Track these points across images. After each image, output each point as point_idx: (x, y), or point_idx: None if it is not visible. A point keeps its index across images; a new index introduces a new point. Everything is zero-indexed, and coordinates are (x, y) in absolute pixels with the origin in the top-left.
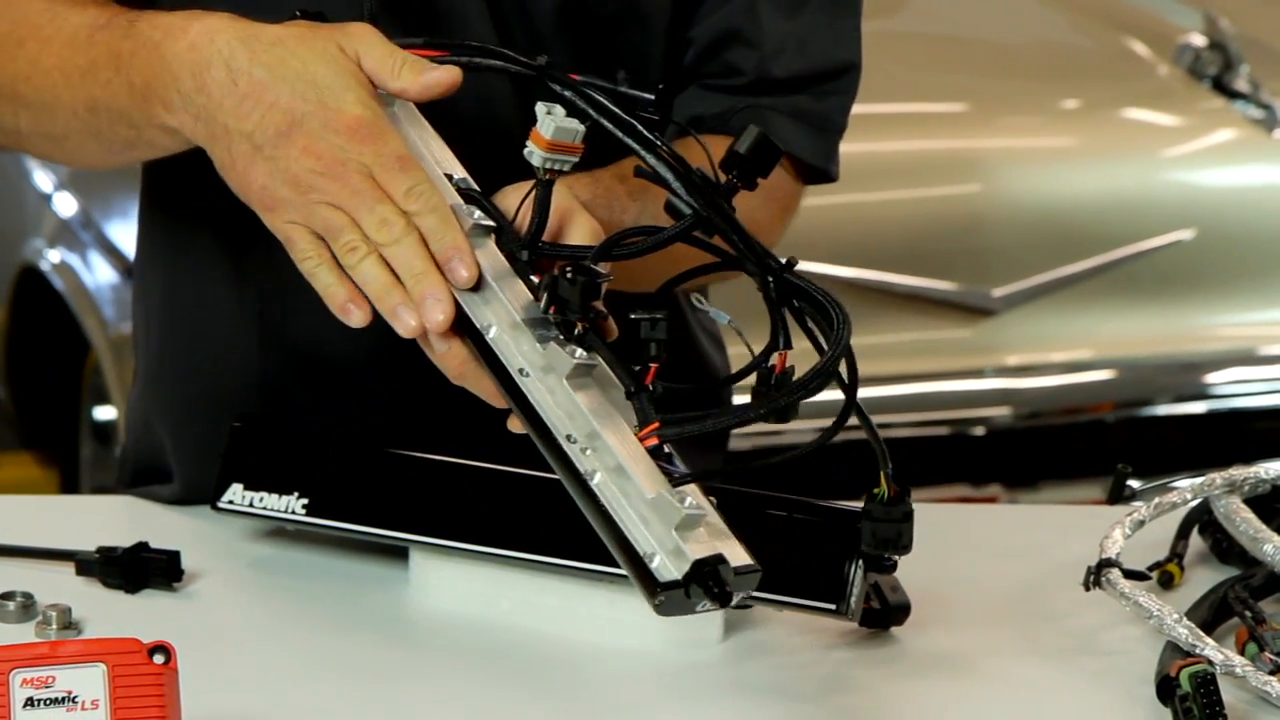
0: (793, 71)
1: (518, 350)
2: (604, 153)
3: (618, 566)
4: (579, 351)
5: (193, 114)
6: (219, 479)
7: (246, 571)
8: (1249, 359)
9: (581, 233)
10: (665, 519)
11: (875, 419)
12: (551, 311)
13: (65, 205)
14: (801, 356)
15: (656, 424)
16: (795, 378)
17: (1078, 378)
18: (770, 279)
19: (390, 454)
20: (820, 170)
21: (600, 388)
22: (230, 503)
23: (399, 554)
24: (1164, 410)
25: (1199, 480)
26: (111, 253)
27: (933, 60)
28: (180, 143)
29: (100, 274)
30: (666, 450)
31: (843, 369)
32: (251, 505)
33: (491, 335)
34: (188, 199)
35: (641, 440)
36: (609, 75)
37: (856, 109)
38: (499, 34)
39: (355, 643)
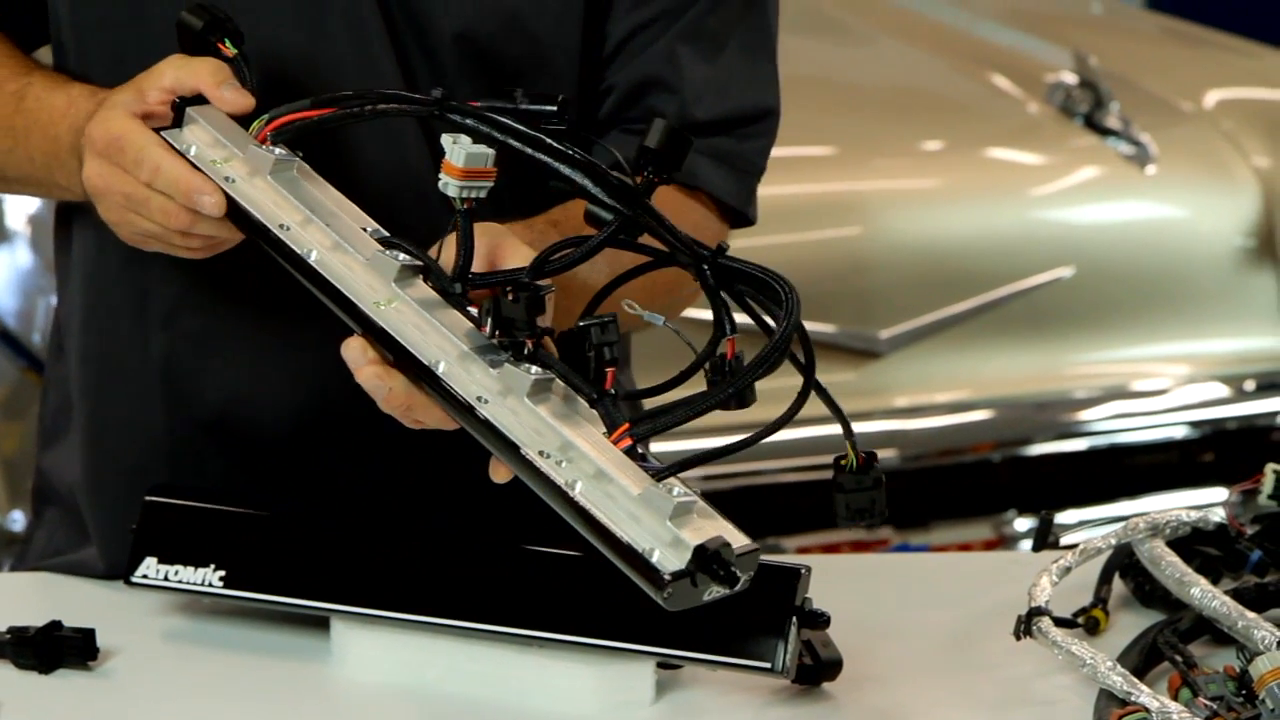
0: (713, 115)
1: (471, 380)
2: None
3: (546, 630)
4: (533, 369)
5: (78, 181)
6: (132, 553)
7: (163, 647)
8: (1128, 394)
9: (517, 259)
10: (657, 512)
11: (762, 464)
12: (497, 336)
13: None
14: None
15: (627, 425)
16: (748, 361)
17: (963, 418)
18: (706, 266)
19: (307, 522)
20: (739, 213)
21: (561, 400)
22: (144, 577)
23: (320, 624)
24: (1047, 448)
25: (1120, 524)
26: None
27: (801, 103)
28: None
29: None
30: (640, 451)
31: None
32: (166, 579)
33: (441, 370)
34: (97, 250)
35: (615, 443)
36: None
37: None
38: (408, 86)
39: (278, 717)
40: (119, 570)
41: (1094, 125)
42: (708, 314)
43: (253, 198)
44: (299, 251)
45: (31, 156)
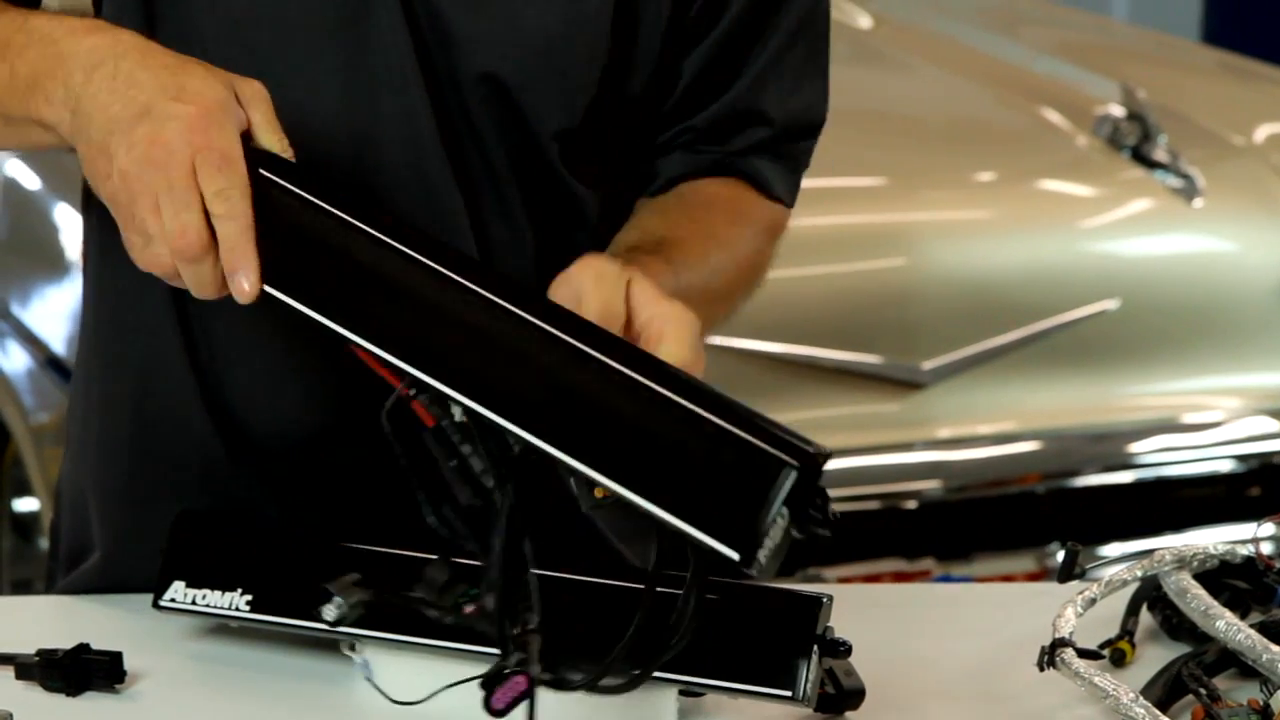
0: (786, 133)
1: None
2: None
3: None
4: None
5: (70, 107)
6: (160, 576)
7: (190, 671)
8: (1174, 427)
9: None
10: None
11: None
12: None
13: None
14: None
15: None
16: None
17: (1007, 449)
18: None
19: (334, 546)
20: (779, 196)
21: None
22: (172, 600)
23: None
24: (1092, 480)
25: (1147, 557)
26: (31, 341)
27: (850, 134)
28: (49, 139)
29: (18, 362)
30: None
31: None
32: (194, 603)
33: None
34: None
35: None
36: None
37: None
38: (440, 121)
39: None
40: (121, 582)
41: (1141, 158)
42: (749, 343)
43: None
44: None
45: (17, 71)
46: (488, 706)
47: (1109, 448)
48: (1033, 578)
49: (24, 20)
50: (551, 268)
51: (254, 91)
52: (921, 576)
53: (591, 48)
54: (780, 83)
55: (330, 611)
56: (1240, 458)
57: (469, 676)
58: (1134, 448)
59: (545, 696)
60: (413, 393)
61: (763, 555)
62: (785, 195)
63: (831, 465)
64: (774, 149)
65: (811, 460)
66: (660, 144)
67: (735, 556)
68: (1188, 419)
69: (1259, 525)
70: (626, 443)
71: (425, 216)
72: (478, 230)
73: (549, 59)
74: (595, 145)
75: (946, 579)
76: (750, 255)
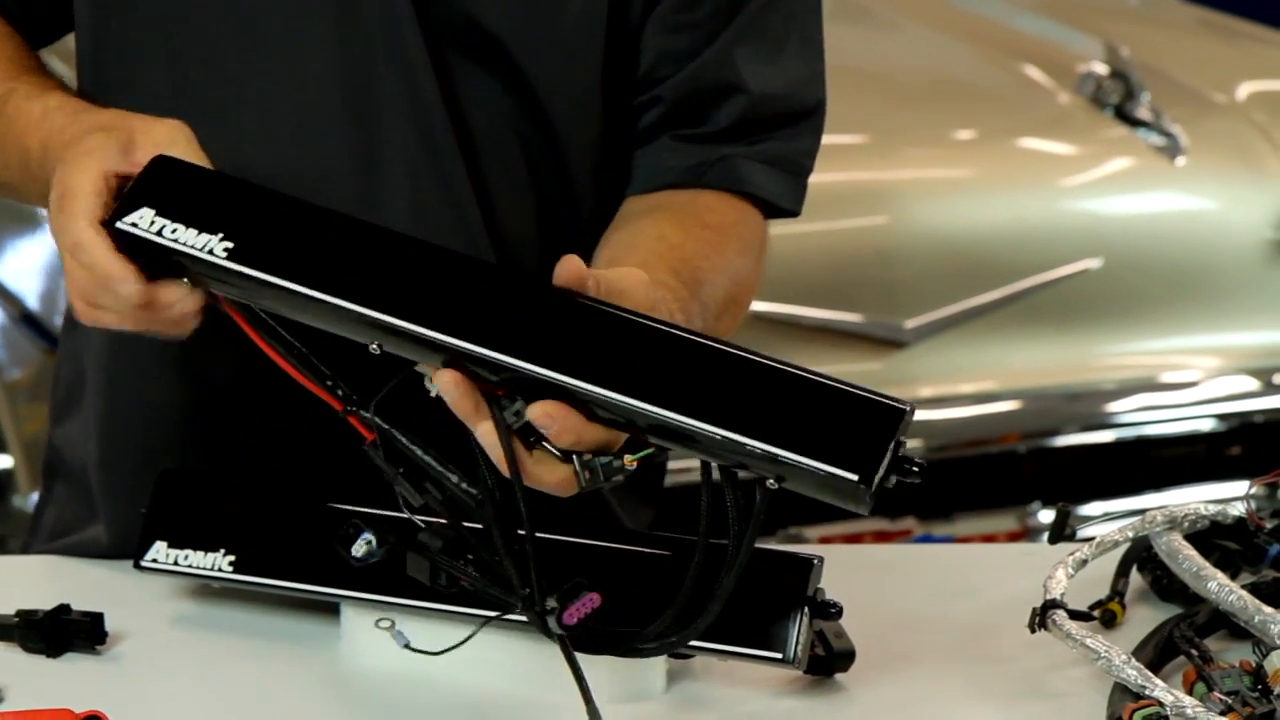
0: (772, 112)
1: None
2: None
3: None
4: None
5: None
6: (141, 537)
7: (172, 632)
8: (1155, 386)
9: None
10: None
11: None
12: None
13: None
14: None
15: None
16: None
17: (989, 408)
18: None
19: (317, 507)
20: (788, 209)
21: None
22: (154, 561)
23: (330, 610)
24: (1073, 440)
25: (1138, 517)
26: (4, 296)
27: (831, 91)
28: None
29: None
30: None
31: None
32: (176, 564)
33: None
34: None
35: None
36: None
37: None
38: (436, 68)
39: (287, 703)
40: (125, 548)
41: (1124, 116)
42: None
43: None
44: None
45: (7, 163)
46: (559, 621)
47: (1090, 407)
48: (1014, 537)
49: (0, 106)
50: (553, 232)
51: (151, 137)
52: (903, 536)
53: (585, 7)
54: (754, 48)
55: (359, 548)
56: (1220, 416)
57: (498, 614)
58: (1115, 407)
59: (533, 660)
60: (349, 408)
61: (876, 480)
62: (793, 205)
63: None
64: (761, 135)
65: (911, 410)
66: (642, 128)
67: (854, 477)
68: (1168, 378)
69: (1250, 485)
70: (750, 403)
71: (429, 178)
72: (479, 190)
73: (537, 12)
74: (594, 107)
75: (928, 538)
76: (750, 287)
